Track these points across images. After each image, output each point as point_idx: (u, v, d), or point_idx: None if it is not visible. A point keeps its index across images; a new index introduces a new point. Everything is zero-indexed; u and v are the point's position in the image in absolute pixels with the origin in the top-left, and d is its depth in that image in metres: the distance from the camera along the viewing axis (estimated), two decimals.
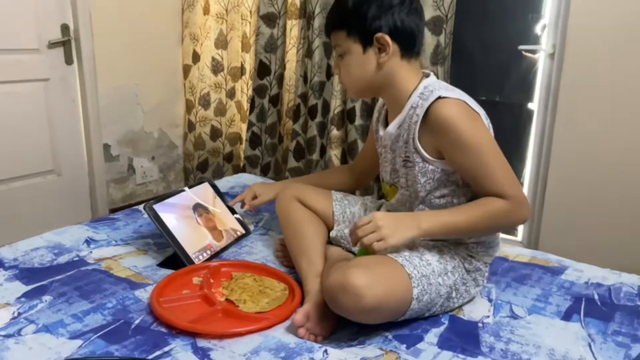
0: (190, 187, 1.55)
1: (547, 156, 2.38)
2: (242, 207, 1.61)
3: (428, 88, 1.22)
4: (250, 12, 3.03)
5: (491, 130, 1.23)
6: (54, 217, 2.67)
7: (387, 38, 1.20)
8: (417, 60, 1.28)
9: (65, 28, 2.61)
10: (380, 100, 1.43)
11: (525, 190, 2.51)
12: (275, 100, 3.01)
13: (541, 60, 2.40)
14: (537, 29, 2.43)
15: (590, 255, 1.82)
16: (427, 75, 1.28)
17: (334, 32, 1.27)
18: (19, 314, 1.14)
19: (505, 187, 1.14)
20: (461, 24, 2.40)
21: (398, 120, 1.26)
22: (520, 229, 2.60)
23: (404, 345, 1.08)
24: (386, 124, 1.34)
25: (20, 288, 1.24)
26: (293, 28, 2.86)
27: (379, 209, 1.49)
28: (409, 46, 1.24)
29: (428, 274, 1.14)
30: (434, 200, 1.25)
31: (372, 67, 1.24)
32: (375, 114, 1.44)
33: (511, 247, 1.58)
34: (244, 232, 1.59)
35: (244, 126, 3.22)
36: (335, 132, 2.74)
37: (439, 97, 1.17)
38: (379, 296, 1.04)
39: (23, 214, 2.59)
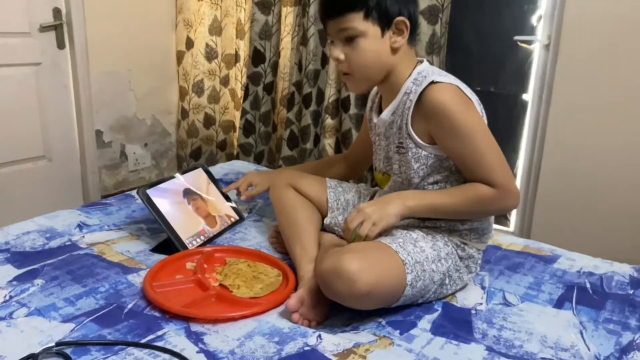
0: (183, 173, 1.54)
1: (541, 147, 2.39)
2: (237, 195, 1.60)
3: (422, 74, 1.22)
4: None
5: (484, 118, 1.23)
6: (44, 203, 2.64)
7: (408, 22, 1.20)
8: (414, 47, 1.29)
9: (57, 12, 2.57)
10: (374, 89, 1.42)
11: (518, 180, 2.52)
12: (270, 88, 2.99)
13: (536, 51, 2.40)
14: (533, 19, 2.42)
15: (582, 245, 1.82)
16: (421, 62, 1.28)
17: (346, 15, 1.18)
18: (11, 297, 1.13)
19: (494, 175, 1.14)
20: (457, 14, 2.39)
21: (392, 106, 1.26)
22: (512, 219, 2.61)
23: (397, 331, 1.08)
24: (379, 112, 1.34)
25: (12, 271, 1.23)
26: (288, 15, 2.83)
27: (372, 196, 1.49)
28: (414, 31, 1.24)
29: (422, 261, 1.14)
30: (427, 187, 1.25)
31: (387, 51, 1.22)
32: (369, 103, 1.43)
33: (504, 236, 1.59)
34: (237, 218, 1.58)
35: (238, 114, 3.20)
36: (329, 121, 2.73)
37: (432, 82, 1.17)
38: (372, 281, 1.04)
39: (13, 200, 2.56)
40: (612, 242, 2.20)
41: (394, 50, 1.22)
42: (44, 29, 2.54)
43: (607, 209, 2.25)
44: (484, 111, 1.24)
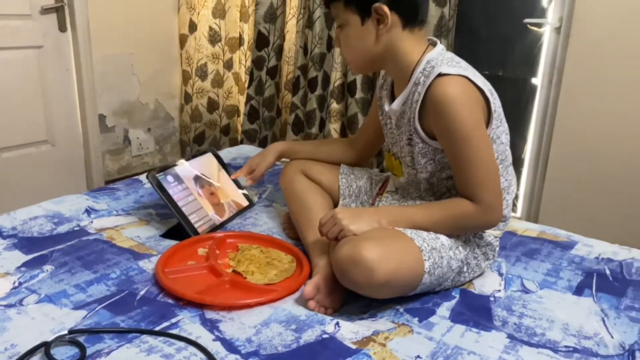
0: (193, 157, 1.50)
1: (550, 131, 2.36)
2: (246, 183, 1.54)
3: (430, 63, 1.15)
4: None
5: (498, 103, 1.18)
6: (48, 188, 2.61)
7: (385, 8, 1.14)
8: (421, 30, 1.21)
9: None
10: (382, 73, 1.38)
11: (526, 165, 2.49)
12: (273, 72, 2.95)
13: (547, 34, 2.35)
14: (544, 1, 2.38)
15: (591, 231, 1.80)
16: (433, 44, 1.22)
17: (333, 3, 1.22)
18: (20, 283, 1.11)
19: (479, 188, 1.11)
20: None
21: (402, 96, 1.22)
22: (520, 205, 2.59)
23: (416, 319, 1.06)
24: (392, 99, 1.30)
25: (20, 257, 1.21)
26: None
27: (384, 183, 1.46)
28: (411, 16, 1.17)
29: (438, 247, 1.12)
30: (441, 182, 1.22)
31: (372, 40, 1.18)
32: (379, 91, 1.37)
33: (518, 222, 1.56)
34: (247, 203, 1.55)
35: (242, 98, 3.16)
36: (335, 106, 2.70)
37: (440, 74, 1.11)
38: (391, 270, 1.02)
39: (16, 185, 2.53)
40: (622, 229, 2.18)
41: (380, 38, 1.18)
42: (45, 11, 2.49)
43: (616, 195, 2.22)
44: (497, 99, 1.19)
